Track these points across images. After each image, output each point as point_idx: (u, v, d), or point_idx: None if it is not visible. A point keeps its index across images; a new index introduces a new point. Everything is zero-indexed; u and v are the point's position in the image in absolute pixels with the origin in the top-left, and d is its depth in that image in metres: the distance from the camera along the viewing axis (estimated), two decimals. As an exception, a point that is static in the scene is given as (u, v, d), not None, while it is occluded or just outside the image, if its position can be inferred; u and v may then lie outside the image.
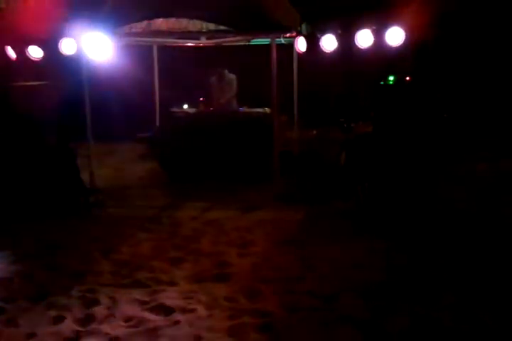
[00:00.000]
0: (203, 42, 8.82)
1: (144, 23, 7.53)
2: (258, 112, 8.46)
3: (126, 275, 4.50)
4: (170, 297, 4.06)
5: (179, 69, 10.86)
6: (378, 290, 4.13)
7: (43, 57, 7.09)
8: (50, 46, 6.94)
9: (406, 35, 6.44)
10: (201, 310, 3.83)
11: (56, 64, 7.30)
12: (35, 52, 7.10)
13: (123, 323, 3.67)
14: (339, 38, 6.77)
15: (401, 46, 6.56)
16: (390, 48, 6.60)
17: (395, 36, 6.49)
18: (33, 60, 7.09)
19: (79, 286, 4.26)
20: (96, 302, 3.98)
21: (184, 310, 3.83)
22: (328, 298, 3.99)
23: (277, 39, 7.14)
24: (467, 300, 3.93)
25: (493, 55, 10.65)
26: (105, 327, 3.60)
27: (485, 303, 3.88)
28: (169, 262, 4.78)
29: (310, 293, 4.10)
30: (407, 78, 8.60)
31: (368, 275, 4.41)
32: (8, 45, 7.19)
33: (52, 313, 3.80)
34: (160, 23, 7.73)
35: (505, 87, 10.68)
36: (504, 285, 4.20)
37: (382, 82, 7.97)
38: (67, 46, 6.87)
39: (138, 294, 4.11)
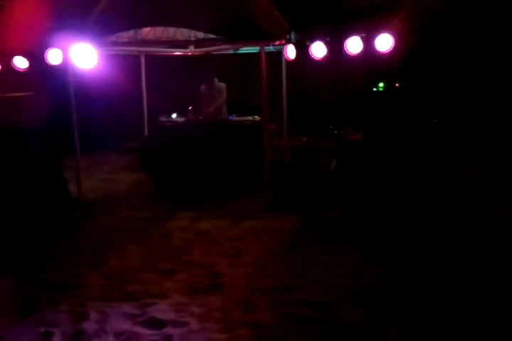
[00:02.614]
0: (191, 51, 8.78)
1: (131, 32, 7.47)
2: (247, 120, 8.41)
3: (116, 288, 4.39)
4: (161, 310, 3.96)
5: (167, 79, 10.81)
6: (372, 298, 4.06)
7: (29, 68, 7.02)
8: (35, 56, 6.87)
9: (395, 41, 6.43)
10: (194, 323, 3.73)
11: (42, 74, 7.22)
12: (20, 62, 7.03)
13: (113, 338, 3.57)
14: (328, 45, 6.75)
15: (390, 52, 6.55)
16: (379, 55, 6.58)
17: (384, 43, 6.47)
18: (18, 71, 7.02)
19: (67, 300, 4.15)
20: (85, 316, 3.87)
21: (176, 324, 3.73)
22: (322, 307, 3.92)
23: (266, 47, 7.10)
24: (464, 306, 3.87)
25: (482, 59, 10.69)
26: (95, 343, 3.49)
27: (483, 310, 3.82)
28: (160, 274, 4.67)
29: (304, 302, 4.02)
30: (396, 84, 8.61)
31: (361, 283, 4.35)
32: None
33: (41, 329, 3.68)
34: (147, 31, 7.68)
35: (495, 92, 10.72)
36: (500, 291, 4.15)
37: (374, 89, 7.96)
38: (53, 56, 6.80)
39: (128, 308, 4.01)
